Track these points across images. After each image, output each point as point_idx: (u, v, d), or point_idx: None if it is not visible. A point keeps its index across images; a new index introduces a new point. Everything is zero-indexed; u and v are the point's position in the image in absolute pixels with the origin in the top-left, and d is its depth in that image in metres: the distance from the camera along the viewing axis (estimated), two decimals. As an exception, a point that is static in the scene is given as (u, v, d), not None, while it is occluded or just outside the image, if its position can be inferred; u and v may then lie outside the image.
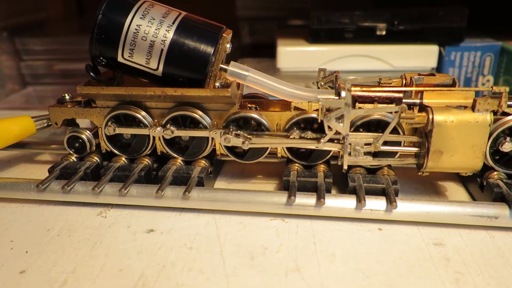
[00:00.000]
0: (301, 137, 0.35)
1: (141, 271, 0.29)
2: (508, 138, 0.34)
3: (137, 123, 0.37)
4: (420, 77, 0.35)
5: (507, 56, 0.58)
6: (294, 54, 0.60)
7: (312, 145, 0.35)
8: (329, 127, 0.33)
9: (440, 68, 0.60)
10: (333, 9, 0.59)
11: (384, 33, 0.59)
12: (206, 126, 0.37)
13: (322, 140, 0.34)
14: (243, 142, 0.35)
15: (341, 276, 0.29)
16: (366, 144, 0.34)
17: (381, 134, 0.33)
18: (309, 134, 0.35)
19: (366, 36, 0.59)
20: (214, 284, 0.28)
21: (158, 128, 0.36)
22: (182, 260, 0.30)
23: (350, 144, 0.34)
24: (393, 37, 0.59)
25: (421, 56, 0.59)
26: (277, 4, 0.77)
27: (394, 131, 0.35)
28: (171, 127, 0.36)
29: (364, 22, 0.59)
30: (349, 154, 0.34)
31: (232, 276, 0.29)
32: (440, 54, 0.59)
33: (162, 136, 0.37)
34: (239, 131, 0.36)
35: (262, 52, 0.72)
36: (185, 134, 0.37)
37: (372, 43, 0.59)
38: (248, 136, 0.35)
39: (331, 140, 0.34)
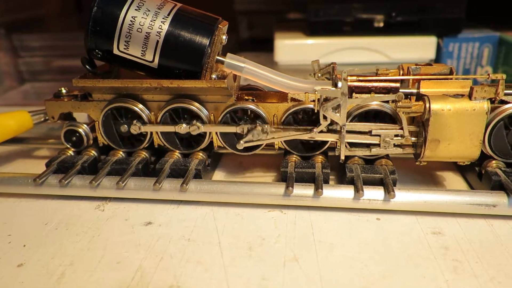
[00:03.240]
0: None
1: (139, 263, 0.29)
2: None
3: (134, 116, 0.37)
4: (417, 67, 0.35)
5: (506, 46, 0.58)
6: (292, 47, 0.60)
7: (305, 135, 0.35)
8: (324, 117, 0.33)
9: (438, 59, 0.60)
10: (331, 1, 0.59)
11: (382, 25, 0.59)
12: (204, 118, 0.37)
13: (315, 130, 0.34)
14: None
15: (340, 266, 0.29)
16: (396, 136, 0.34)
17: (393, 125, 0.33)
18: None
19: (364, 28, 0.59)
20: (212, 275, 0.28)
21: (184, 125, 0.36)
22: (180, 252, 0.30)
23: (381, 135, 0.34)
24: (391, 29, 0.59)
25: (419, 48, 0.59)
26: (275, -3, 0.76)
27: (391, 120, 0.35)
28: (197, 123, 0.36)
29: (362, 14, 0.59)
30: (378, 145, 0.34)
31: (230, 267, 0.29)
32: (438, 46, 0.59)
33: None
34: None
35: (260, 46, 0.72)
36: (213, 129, 0.37)
37: (370, 35, 0.59)
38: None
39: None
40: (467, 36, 0.59)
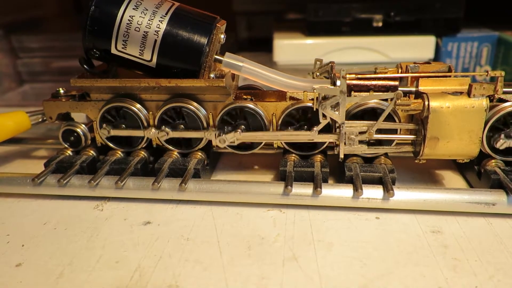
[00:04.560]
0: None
1: (138, 263, 0.29)
2: (502, 135, 0.34)
3: (132, 116, 0.37)
4: (416, 65, 0.35)
5: (504, 46, 0.58)
6: (290, 47, 0.60)
7: (305, 138, 0.35)
8: (323, 115, 0.33)
9: (437, 59, 0.60)
10: (330, 1, 0.59)
11: (380, 24, 0.59)
12: (202, 117, 0.37)
13: (315, 128, 0.34)
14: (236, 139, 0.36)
15: (339, 265, 0.29)
16: (360, 133, 0.34)
17: (375, 122, 0.33)
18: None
19: (363, 28, 0.59)
20: (211, 274, 0.28)
21: (153, 130, 0.36)
22: (179, 251, 0.30)
23: (345, 133, 0.34)
24: (389, 29, 0.59)
25: (418, 47, 0.59)
26: (274, -3, 0.76)
27: (390, 119, 0.35)
28: (166, 128, 0.36)
29: (361, 14, 0.59)
30: (345, 143, 0.34)
31: (229, 266, 0.29)
32: (437, 45, 0.59)
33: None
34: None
35: (259, 47, 0.72)
36: (180, 135, 0.37)
37: (369, 35, 0.59)
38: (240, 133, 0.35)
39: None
40: (466, 36, 0.59)
